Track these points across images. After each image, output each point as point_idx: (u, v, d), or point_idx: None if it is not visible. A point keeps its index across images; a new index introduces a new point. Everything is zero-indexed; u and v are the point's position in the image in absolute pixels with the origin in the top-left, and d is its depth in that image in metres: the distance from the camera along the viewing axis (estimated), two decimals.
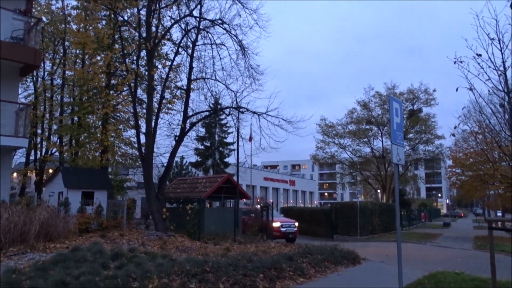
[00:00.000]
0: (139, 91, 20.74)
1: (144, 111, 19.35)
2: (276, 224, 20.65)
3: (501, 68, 7.76)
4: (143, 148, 17.03)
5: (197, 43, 18.32)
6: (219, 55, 20.90)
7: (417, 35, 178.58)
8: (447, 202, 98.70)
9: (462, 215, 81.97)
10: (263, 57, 66.96)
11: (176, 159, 29.56)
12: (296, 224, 21.89)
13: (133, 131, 20.65)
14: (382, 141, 37.93)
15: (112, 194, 20.36)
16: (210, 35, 18.50)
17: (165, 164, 18.93)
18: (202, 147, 43.98)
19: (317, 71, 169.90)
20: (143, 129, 17.45)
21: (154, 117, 17.70)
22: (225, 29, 17.91)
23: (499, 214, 45.06)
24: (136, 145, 19.03)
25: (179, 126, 18.42)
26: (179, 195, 20.65)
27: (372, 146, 39.34)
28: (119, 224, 16.22)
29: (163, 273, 7.61)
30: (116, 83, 21.18)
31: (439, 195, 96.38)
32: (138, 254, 9.52)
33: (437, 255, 15.77)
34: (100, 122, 21.77)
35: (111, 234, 13.97)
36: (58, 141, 25.10)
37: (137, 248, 10.51)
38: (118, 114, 22.95)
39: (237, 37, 17.85)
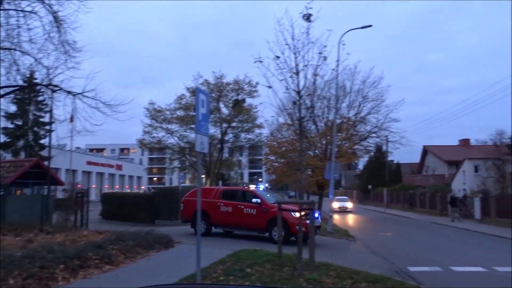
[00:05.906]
0: None
1: None
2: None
3: (294, 70, 8.91)
4: None
5: (1, 7, 15.92)
6: (28, 25, 18.49)
7: (247, 30, 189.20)
8: (266, 185, 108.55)
9: None
10: (88, 34, 61.71)
11: None
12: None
13: None
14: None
15: None
16: (18, 0, 16.29)
17: None
18: (13, 126, 38.87)
19: (152, 53, 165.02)
20: None
21: None
22: None
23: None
24: None
25: None
26: None
27: None
28: None
29: None
30: None
31: (260, 179, 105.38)
32: None
33: (247, 235, 17.30)
34: None
35: None
36: None
37: None
38: None
39: (51, 8, 16.13)
